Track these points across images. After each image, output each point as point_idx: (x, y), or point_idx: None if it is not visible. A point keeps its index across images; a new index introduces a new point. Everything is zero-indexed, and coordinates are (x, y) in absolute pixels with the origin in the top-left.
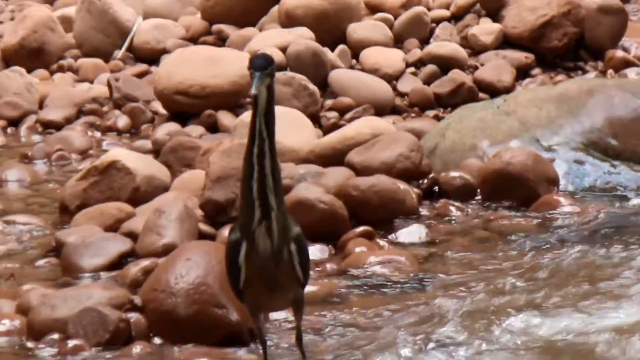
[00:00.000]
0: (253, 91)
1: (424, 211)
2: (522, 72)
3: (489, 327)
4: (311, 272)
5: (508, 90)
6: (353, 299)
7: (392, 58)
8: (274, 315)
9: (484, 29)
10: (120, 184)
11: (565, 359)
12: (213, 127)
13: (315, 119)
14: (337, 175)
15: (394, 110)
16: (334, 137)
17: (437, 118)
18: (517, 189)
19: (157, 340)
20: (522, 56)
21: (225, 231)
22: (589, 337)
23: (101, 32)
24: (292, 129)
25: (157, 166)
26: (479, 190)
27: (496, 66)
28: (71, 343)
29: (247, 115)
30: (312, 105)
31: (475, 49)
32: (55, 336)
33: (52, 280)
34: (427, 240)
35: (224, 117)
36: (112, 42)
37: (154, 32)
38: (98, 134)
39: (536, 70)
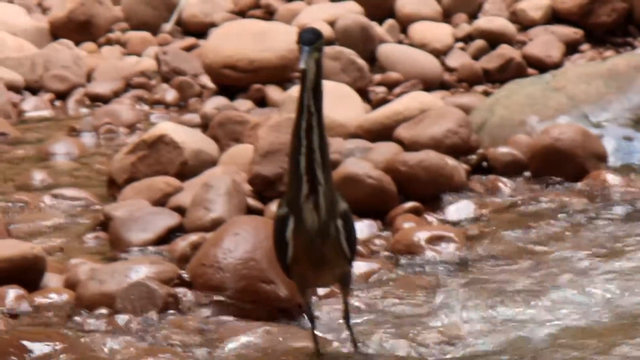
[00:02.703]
0: (302, 65)
1: (472, 187)
2: (571, 48)
3: (536, 302)
4: (358, 248)
5: (557, 65)
6: (400, 275)
7: (440, 33)
8: (322, 291)
9: (533, 4)
10: (168, 158)
11: (619, 329)
12: (261, 101)
13: (363, 93)
14: (385, 150)
15: (443, 86)
16: (383, 112)
17: (486, 93)
18: (566, 165)
19: (204, 315)
20: (571, 31)
21: (273, 206)
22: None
23: (149, 5)
24: (341, 104)
25: (205, 140)
26: (527, 166)
27: (545, 41)
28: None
29: (295, 90)
30: (361, 80)
31: (524, 24)
32: (104, 310)
33: (100, 255)
34: (476, 215)
35: (272, 92)
36: (160, 15)
37: (202, 6)
38: (146, 108)
39: (585, 46)
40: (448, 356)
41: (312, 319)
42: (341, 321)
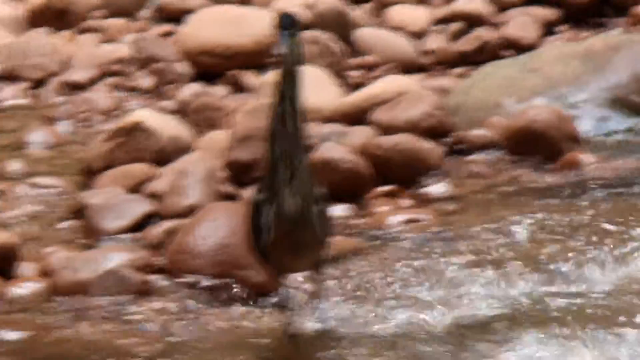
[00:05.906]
0: (280, 50)
1: (448, 169)
2: (548, 29)
3: (511, 281)
4: (334, 232)
5: (534, 47)
6: (375, 258)
7: (417, 16)
8: (297, 275)
9: None
10: (144, 145)
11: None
12: (238, 87)
13: (340, 77)
14: (361, 134)
15: (420, 69)
16: (359, 96)
17: (463, 76)
18: (542, 146)
19: (180, 301)
20: (548, 12)
21: (249, 191)
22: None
23: None
24: (317, 88)
25: (182, 127)
26: (503, 148)
27: (522, 23)
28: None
29: (271, 75)
30: (337, 64)
31: (503, 6)
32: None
33: (75, 243)
34: (452, 197)
35: (249, 77)
36: (137, 2)
37: None
38: (123, 95)
39: (562, 27)
40: (416, 321)
41: (288, 301)
42: (316, 304)
